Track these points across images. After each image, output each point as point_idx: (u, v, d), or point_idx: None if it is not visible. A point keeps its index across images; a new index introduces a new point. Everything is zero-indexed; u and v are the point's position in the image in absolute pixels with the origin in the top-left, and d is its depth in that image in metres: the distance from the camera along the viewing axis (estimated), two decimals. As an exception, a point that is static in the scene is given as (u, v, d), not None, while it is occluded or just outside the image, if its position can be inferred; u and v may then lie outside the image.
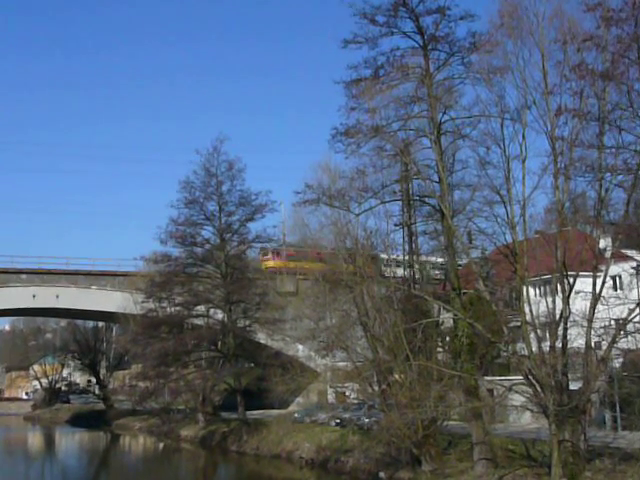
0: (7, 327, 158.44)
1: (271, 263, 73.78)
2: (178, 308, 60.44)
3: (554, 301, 28.38)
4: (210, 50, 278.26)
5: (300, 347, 57.89)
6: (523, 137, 27.92)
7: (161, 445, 65.98)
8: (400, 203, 36.80)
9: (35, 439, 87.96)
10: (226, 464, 53.93)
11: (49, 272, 70.59)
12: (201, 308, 60.69)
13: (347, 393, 49.89)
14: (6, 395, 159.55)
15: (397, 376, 34.37)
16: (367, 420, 43.66)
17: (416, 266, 37.94)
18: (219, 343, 60.32)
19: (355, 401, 47.84)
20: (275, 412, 59.43)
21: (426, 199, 34.61)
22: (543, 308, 29.08)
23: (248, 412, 59.31)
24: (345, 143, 32.43)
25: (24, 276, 69.89)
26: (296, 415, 55.14)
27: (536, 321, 28.66)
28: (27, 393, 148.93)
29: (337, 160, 36.28)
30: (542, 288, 41.95)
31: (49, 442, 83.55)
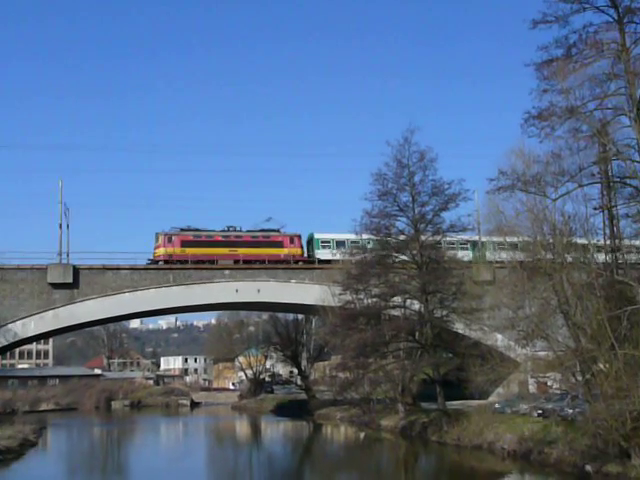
0: (213, 321, 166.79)
1: (161, 251, 73.65)
2: (375, 299, 61.13)
3: None
4: (398, 49, 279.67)
5: (499, 336, 57.02)
6: None
7: (362, 435, 67.13)
8: (599, 186, 35.74)
9: (242, 427, 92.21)
10: (427, 454, 54.23)
11: (250, 268, 73.69)
12: (397, 299, 61.15)
13: (549, 383, 48.71)
14: (214, 386, 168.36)
15: (602, 365, 33.39)
16: (570, 411, 42.56)
17: (619, 251, 36.59)
18: (417, 333, 60.40)
19: (557, 391, 46.66)
20: (475, 402, 58.96)
21: (627, 180, 33.35)
22: None
23: (447, 402, 59.27)
24: (538, 127, 32.02)
25: (227, 272, 73.37)
26: (497, 406, 54.58)
27: None
28: (233, 384, 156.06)
29: (531, 144, 35.65)
30: None
31: (255, 430, 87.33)
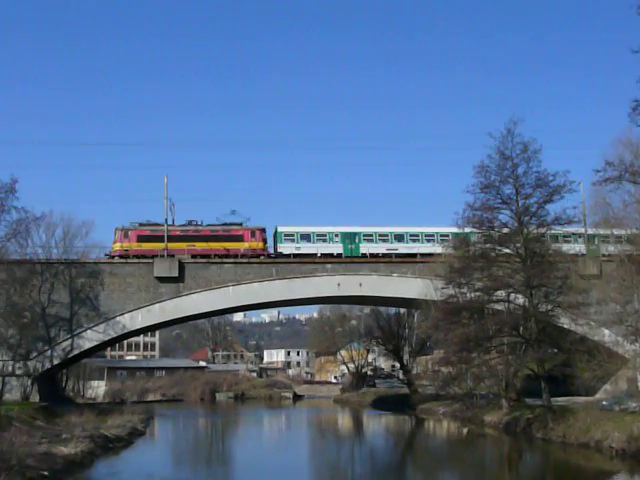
0: (315, 314, 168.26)
1: (117, 246, 72.36)
2: (478, 293, 60.45)
3: None
4: (497, 41, 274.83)
5: (606, 332, 55.85)
6: None
7: (465, 430, 66.67)
8: None
9: (345, 421, 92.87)
10: (531, 451, 53.46)
11: (352, 262, 74.08)
12: (501, 293, 60.35)
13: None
14: (316, 379, 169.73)
15: None
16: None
17: None
18: (521, 328, 59.43)
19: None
20: (581, 399, 57.82)
21: None
22: None
23: (552, 399, 58.19)
24: (648, 115, 31.05)
25: (329, 266, 73.97)
26: (604, 403, 53.32)
27: None
28: (335, 377, 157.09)
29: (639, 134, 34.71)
30: None
31: (357, 424, 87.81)
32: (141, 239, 73.45)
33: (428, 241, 74.87)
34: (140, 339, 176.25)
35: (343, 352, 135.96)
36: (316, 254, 74.17)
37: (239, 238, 74.59)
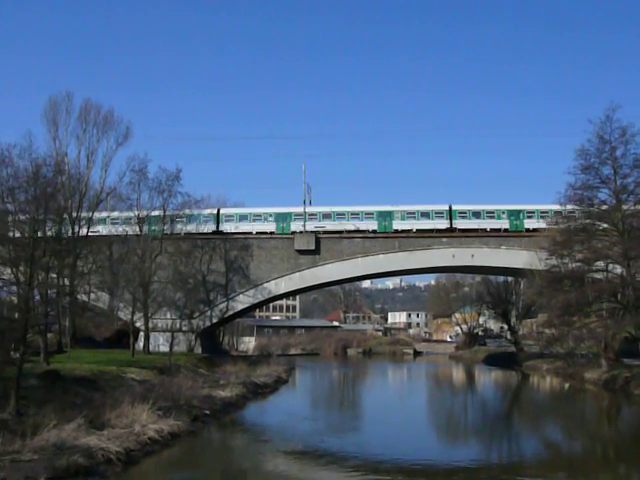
0: (432, 282, 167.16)
1: None
2: (578, 264, 58.57)
3: None
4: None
5: None
6: None
7: (566, 385, 64.64)
8: None
9: (459, 373, 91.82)
10: (630, 406, 51.07)
11: (465, 236, 72.75)
12: (600, 263, 58.10)
13: None
14: (434, 338, 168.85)
15: None
16: None
17: None
18: (619, 295, 57.13)
19: None
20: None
21: None
22: None
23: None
24: None
25: (445, 239, 72.96)
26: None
27: None
28: (450, 336, 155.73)
29: None
30: None
31: (470, 376, 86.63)
32: None
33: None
34: (283, 302, 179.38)
35: (457, 315, 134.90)
36: (433, 229, 73.19)
37: None
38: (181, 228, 70.52)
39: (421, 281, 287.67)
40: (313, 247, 72.48)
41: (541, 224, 69.72)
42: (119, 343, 66.02)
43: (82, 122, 67.96)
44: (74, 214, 62.11)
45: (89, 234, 65.42)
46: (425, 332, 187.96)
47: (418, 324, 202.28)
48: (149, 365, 48.56)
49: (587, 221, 58.69)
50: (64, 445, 23.70)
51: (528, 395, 64.51)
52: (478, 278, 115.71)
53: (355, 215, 74.18)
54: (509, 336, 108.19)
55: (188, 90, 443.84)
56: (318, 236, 72.88)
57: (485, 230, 72.63)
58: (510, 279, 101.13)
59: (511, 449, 33.08)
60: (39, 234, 40.92)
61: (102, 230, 70.01)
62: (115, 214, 71.83)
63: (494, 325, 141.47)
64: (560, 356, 68.25)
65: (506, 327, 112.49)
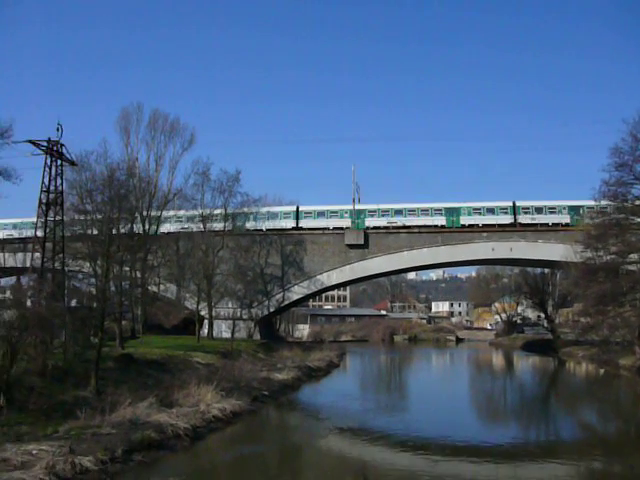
0: (473, 274, 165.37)
1: None
2: (613, 256, 57.13)
3: None
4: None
5: None
6: None
7: (601, 371, 63.27)
8: None
9: (498, 359, 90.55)
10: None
11: (504, 230, 71.70)
12: (634, 256, 56.59)
13: None
14: (475, 326, 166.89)
15: None
16: None
17: None
18: (652, 286, 55.71)
19: None
20: None
21: None
22: None
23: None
24: None
25: (485, 234, 72.04)
26: None
27: None
28: (490, 324, 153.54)
29: None
30: None
31: (509, 362, 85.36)
32: None
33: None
34: (335, 293, 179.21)
35: (497, 304, 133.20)
36: (494, 224, 72.02)
37: None
38: (241, 225, 71.22)
39: (462, 273, 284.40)
40: (362, 242, 72.43)
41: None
42: (185, 330, 67.15)
43: (151, 130, 69.52)
44: (145, 213, 63.57)
45: (158, 231, 66.76)
46: (466, 320, 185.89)
47: (460, 313, 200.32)
48: (213, 350, 49.28)
49: (621, 216, 57.28)
50: (138, 421, 24.35)
51: (564, 380, 63.39)
52: (516, 270, 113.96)
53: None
54: (546, 324, 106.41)
55: (246, 99, 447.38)
56: (367, 232, 72.81)
57: (547, 225, 71.39)
58: (547, 271, 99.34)
59: (548, 430, 32.65)
60: (114, 231, 41.96)
61: (170, 227, 71.47)
62: (181, 213, 73.02)
63: (532, 314, 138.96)
64: (595, 343, 66.93)
65: (543, 316, 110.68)
